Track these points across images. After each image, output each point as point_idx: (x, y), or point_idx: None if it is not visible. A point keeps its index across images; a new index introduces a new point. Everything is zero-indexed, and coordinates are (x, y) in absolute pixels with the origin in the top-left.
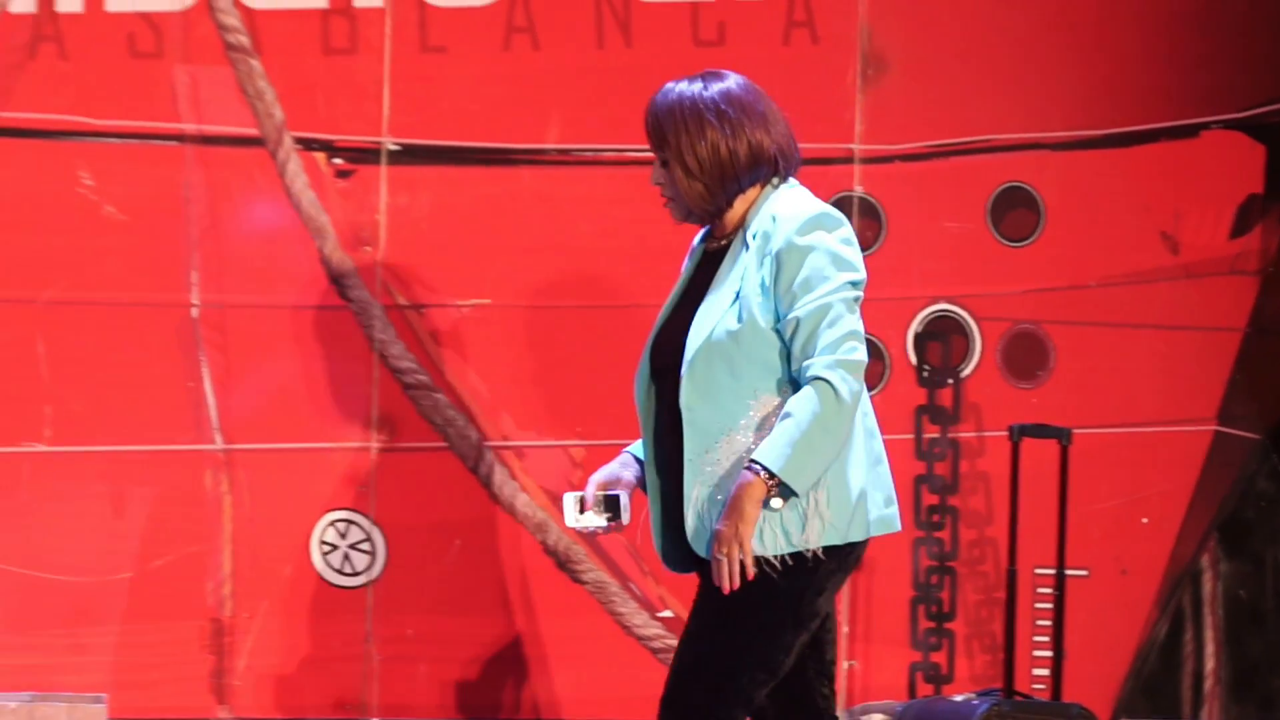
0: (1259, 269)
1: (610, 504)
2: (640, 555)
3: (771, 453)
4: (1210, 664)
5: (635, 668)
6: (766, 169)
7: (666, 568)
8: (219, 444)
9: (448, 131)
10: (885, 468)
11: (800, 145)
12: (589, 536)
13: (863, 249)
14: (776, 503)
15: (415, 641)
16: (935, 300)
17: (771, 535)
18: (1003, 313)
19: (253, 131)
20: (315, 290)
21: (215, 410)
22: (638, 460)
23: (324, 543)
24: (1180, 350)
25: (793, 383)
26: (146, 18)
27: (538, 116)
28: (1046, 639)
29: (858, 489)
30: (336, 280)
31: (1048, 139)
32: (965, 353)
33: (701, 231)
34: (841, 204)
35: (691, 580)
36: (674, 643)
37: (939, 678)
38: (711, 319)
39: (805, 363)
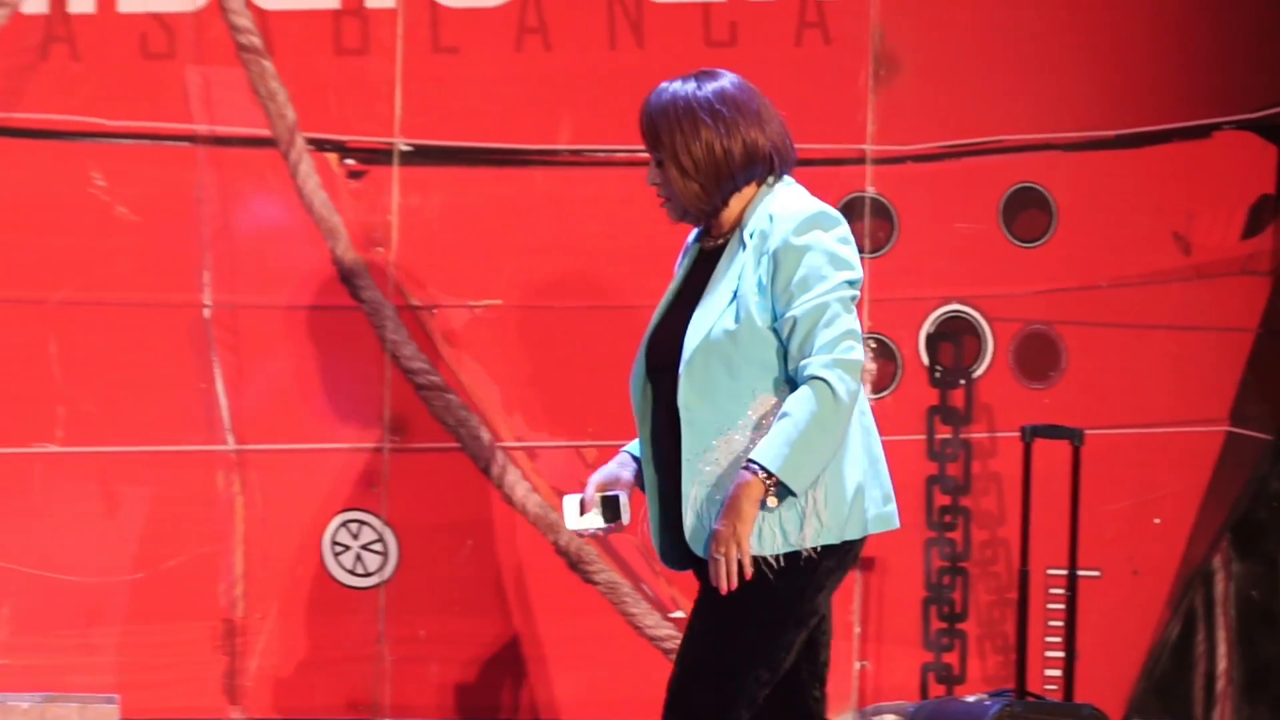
0: (1271, 269)
1: (610, 505)
2: (651, 556)
3: (769, 452)
4: (1222, 665)
5: (647, 669)
6: (762, 167)
7: (664, 566)
8: (231, 445)
9: (460, 132)
10: (883, 465)
11: (812, 146)
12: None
13: (875, 250)
14: (772, 502)
15: (427, 642)
16: (947, 301)
17: (770, 535)
18: (1015, 313)
19: (265, 132)
20: (327, 291)
21: (227, 411)
22: (635, 459)
23: (336, 543)
24: (1192, 351)
25: (790, 382)
26: (159, 18)
27: (550, 117)
28: (1059, 639)
29: (856, 487)
30: (348, 281)
31: (1060, 139)
32: (977, 353)
33: (696, 229)
34: (854, 204)
35: None
36: None
37: (951, 678)
38: (709, 318)
39: (802, 362)
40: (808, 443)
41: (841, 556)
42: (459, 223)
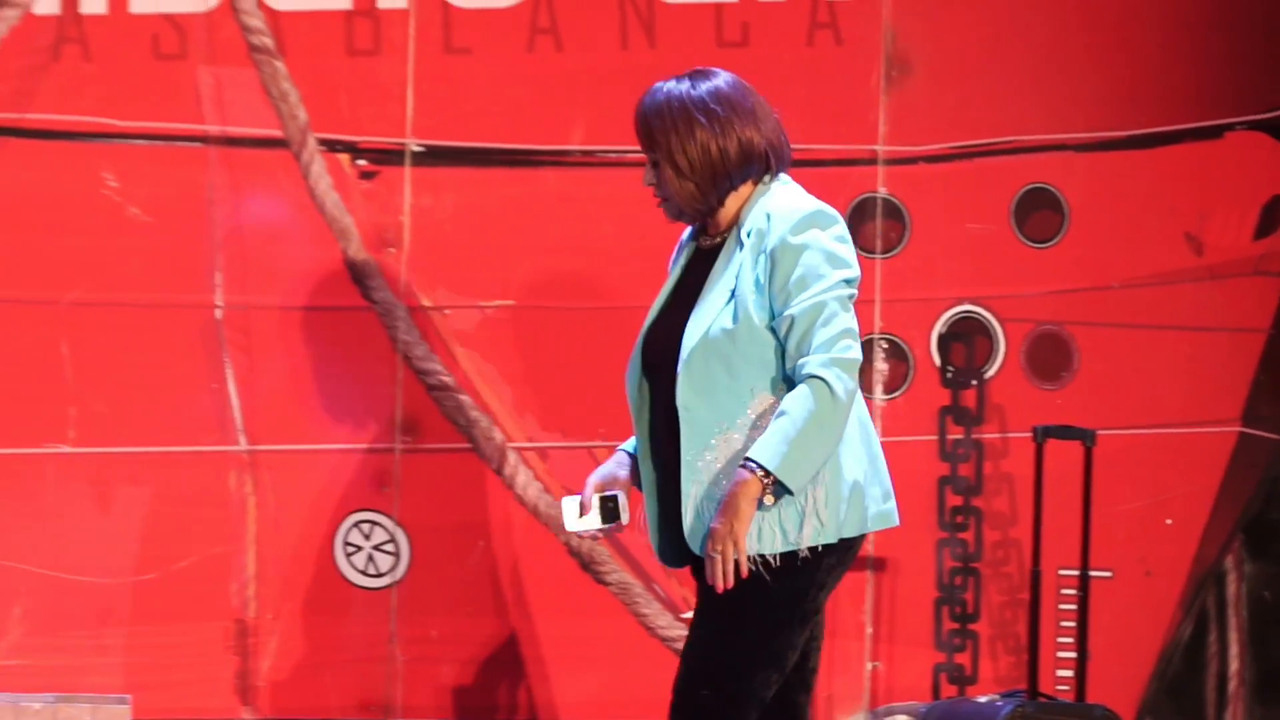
0: None
1: (609, 505)
2: None
3: (767, 451)
4: (1234, 665)
5: (658, 670)
6: (758, 166)
7: (662, 563)
8: (243, 445)
9: (471, 133)
10: (882, 463)
11: (824, 147)
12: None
13: (886, 250)
14: (769, 500)
15: (439, 642)
16: (959, 301)
17: (770, 534)
18: (1027, 314)
19: (277, 133)
20: (339, 292)
21: (239, 411)
22: (631, 457)
23: (348, 544)
24: (1204, 351)
25: (788, 381)
26: (170, 19)
27: (561, 118)
28: (1070, 640)
29: (856, 486)
30: (360, 282)
31: (1072, 140)
32: (989, 354)
33: (690, 227)
34: (865, 205)
35: None
36: None
37: (963, 679)
38: (707, 317)
39: (800, 361)
40: (805, 441)
41: (842, 554)
42: (471, 223)
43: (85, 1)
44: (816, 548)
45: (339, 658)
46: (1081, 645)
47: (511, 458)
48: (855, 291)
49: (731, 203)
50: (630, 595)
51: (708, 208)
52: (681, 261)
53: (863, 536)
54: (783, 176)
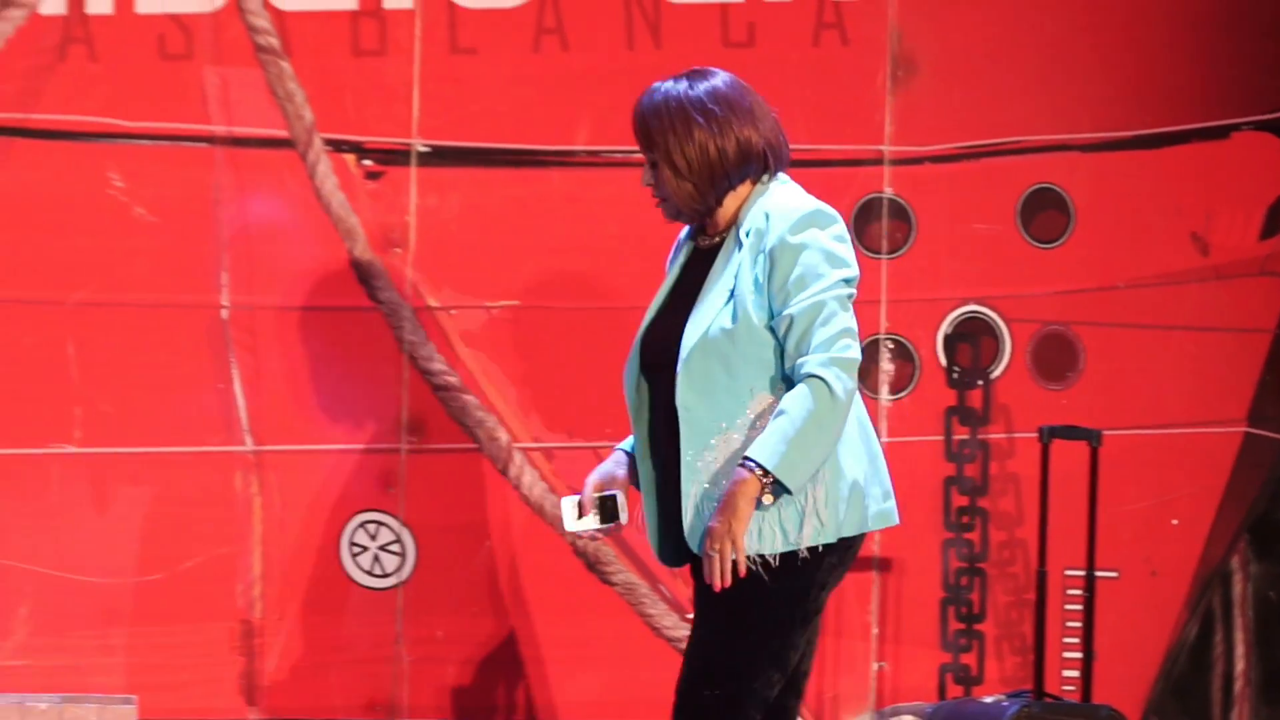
0: None
1: (608, 505)
2: None
3: (766, 450)
4: (1240, 666)
5: (664, 670)
6: (756, 165)
7: (660, 562)
8: (249, 445)
9: (477, 133)
10: (882, 462)
11: (830, 147)
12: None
13: (892, 250)
14: (768, 499)
15: (445, 643)
16: (965, 302)
17: (770, 533)
18: (1032, 314)
19: (283, 133)
20: (345, 292)
21: (245, 411)
22: (629, 455)
23: (354, 544)
24: (1210, 351)
25: (788, 380)
26: (176, 19)
27: (567, 118)
28: (1076, 640)
29: (856, 485)
30: (366, 282)
31: (1077, 140)
32: (995, 354)
33: (688, 226)
34: (871, 205)
35: None
36: None
37: (969, 679)
38: (706, 317)
39: (799, 360)
40: (804, 441)
41: (843, 553)
42: (476, 223)
43: (91, 2)
44: (816, 547)
45: (344, 658)
46: (1087, 645)
47: (517, 458)
48: (854, 291)
49: (730, 202)
50: (636, 595)
51: (706, 208)
52: (679, 261)
53: (863, 536)
54: (781, 176)
